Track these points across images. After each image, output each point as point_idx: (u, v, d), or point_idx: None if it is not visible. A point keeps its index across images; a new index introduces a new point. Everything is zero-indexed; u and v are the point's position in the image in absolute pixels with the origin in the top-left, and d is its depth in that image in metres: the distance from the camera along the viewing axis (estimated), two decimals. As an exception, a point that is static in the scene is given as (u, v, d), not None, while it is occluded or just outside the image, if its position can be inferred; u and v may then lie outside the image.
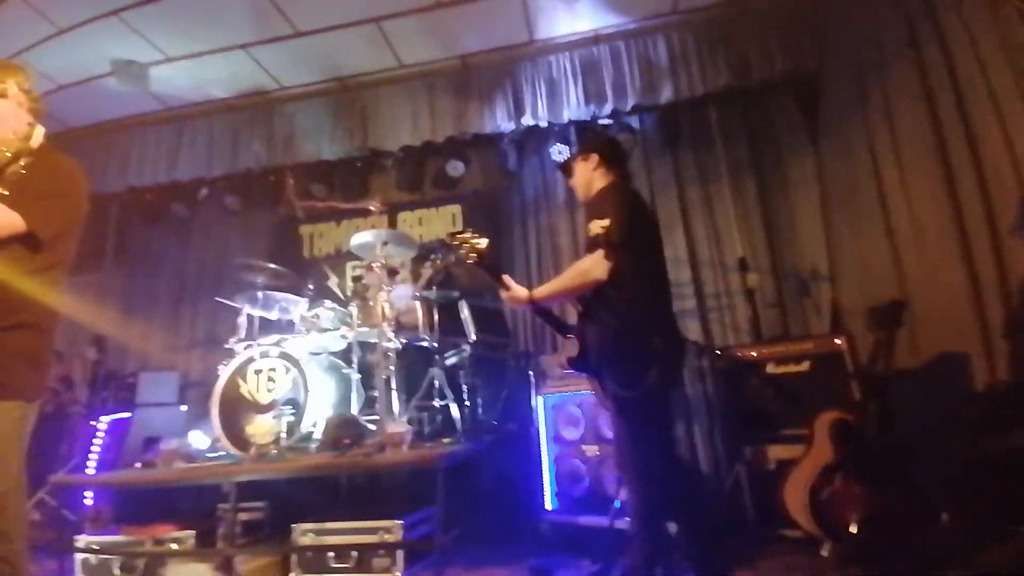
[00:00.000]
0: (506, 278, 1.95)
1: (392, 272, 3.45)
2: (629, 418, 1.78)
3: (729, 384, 2.84)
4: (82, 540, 2.64)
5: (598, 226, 1.77)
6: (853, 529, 2.00)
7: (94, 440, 3.45)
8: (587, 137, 2.29)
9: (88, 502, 3.16)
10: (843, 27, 3.32)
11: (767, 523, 2.44)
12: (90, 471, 3.34)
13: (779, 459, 2.53)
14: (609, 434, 2.65)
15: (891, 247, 2.90)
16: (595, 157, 2.03)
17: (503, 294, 1.93)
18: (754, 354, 2.77)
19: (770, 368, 2.70)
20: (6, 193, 1.42)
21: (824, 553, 2.10)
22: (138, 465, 3.01)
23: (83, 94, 4.15)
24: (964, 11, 2.48)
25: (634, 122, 4.13)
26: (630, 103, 3.84)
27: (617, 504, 2.35)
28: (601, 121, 4.02)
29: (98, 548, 2.60)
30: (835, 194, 3.56)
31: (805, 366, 2.63)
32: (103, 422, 3.42)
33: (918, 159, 2.71)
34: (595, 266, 1.77)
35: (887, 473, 2.05)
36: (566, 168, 2.17)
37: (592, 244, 1.78)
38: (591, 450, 2.67)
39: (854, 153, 3.22)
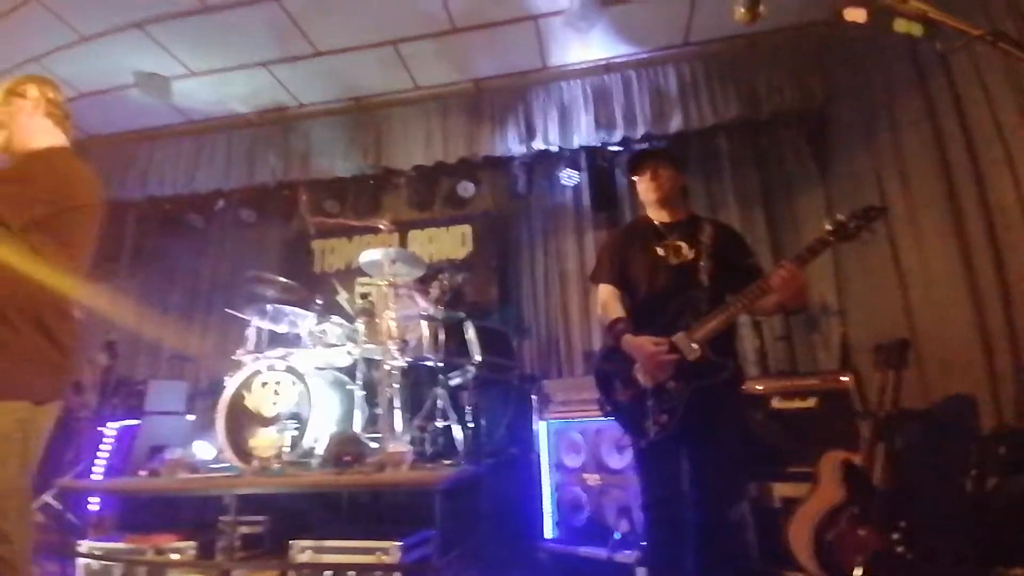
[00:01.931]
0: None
1: (424, 293, 3.45)
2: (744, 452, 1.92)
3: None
4: (85, 545, 2.66)
5: (756, 262, 1.93)
6: (858, 572, 1.98)
7: (101, 446, 3.49)
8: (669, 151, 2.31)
9: (93, 507, 3.18)
10: (850, 63, 3.35)
11: (772, 563, 2.40)
12: (96, 477, 3.37)
13: (785, 497, 2.50)
14: (613, 464, 2.65)
15: (900, 285, 2.90)
16: (684, 179, 2.12)
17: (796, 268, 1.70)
18: (759, 387, 2.76)
19: (775, 403, 2.68)
20: None
21: (827, 596, 2.07)
22: (143, 473, 3.05)
23: (105, 103, 4.26)
24: (972, 48, 2.50)
25: (645, 149, 4.18)
26: (640, 131, 3.89)
27: (617, 536, 2.34)
28: (611, 148, 4.08)
29: (100, 554, 2.62)
30: (844, 228, 3.56)
31: (811, 402, 2.61)
32: (111, 428, 3.46)
33: (926, 198, 2.71)
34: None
35: (892, 515, 2.03)
36: (655, 156, 2.08)
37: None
38: (592, 479, 2.66)
39: (863, 188, 3.23)
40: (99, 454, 3.46)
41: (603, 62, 4.01)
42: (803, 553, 2.13)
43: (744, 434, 1.84)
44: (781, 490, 2.50)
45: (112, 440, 3.46)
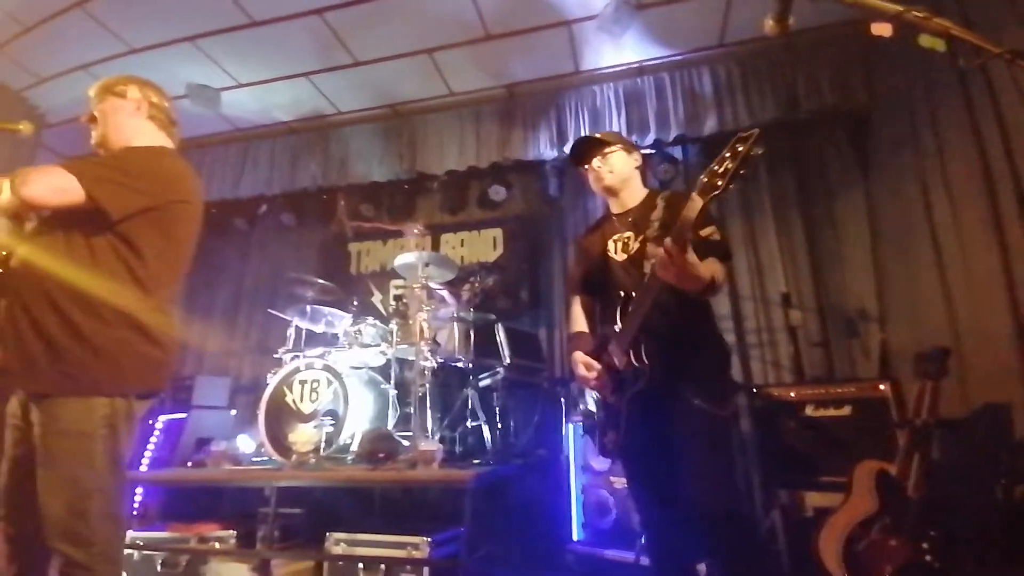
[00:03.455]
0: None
1: (456, 295, 3.51)
2: (723, 441, 1.60)
3: (765, 424, 2.78)
4: (128, 536, 2.73)
5: (718, 233, 1.61)
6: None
7: (150, 438, 3.68)
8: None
9: (137, 499, 3.30)
10: (893, 61, 3.25)
11: (801, 572, 2.37)
12: (143, 468, 3.55)
13: (817, 507, 2.46)
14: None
15: (943, 291, 2.79)
16: (640, 158, 1.87)
17: (686, 260, 1.40)
18: (792, 394, 2.71)
19: (809, 410, 2.63)
20: None
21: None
22: (189, 464, 3.22)
23: None
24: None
25: (677, 152, 4.15)
26: (673, 134, 3.87)
27: (643, 540, 2.34)
28: (644, 151, 4.06)
29: (143, 544, 2.75)
30: (886, 232, 3.45)
31: (847, 410, 2.56)
32: (160, 421, 3.65)
33: (969, 202, 2.61)
34: (723, 275, 1.57)
35: (923, 525, 1.99)
36: (594, 143, 1.85)
37: (716, 249, 1.57)
38: (619, 482, 2.67)
39: (905, 191, 3.12)
40: (147, 446, 3.65)
41: (636, 65, 4.00)
42: (832, 563, 2.09)
43: (714, 432, 1.55)
44: (813, 499, 2.46)
45: (160, 432, 3.65)
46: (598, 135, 1.88)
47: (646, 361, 1.53)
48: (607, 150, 1.82)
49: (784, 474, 2.60)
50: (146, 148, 1.57)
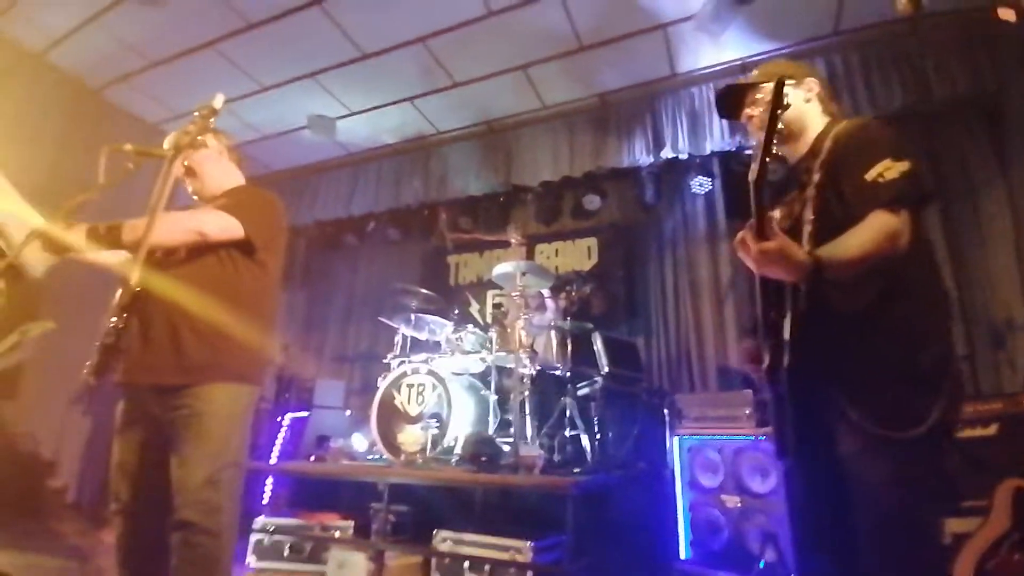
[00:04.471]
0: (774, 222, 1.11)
1: (553, 304, 3.50)
2: (904, 474, 1.11)
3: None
4: (260, 521, 3.02)
5: (896, 169, 1.14)
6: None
7: (278, 434, 4.07)
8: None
9: (267, 489, 3.63)
10: (1021, 51, 2.82)
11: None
12: (272, 460, 3.93)
13: (956, 533, 2.18)
14: (756, 487, 2.47)
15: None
16: (814, 84, 1.40)
17: (762, 246, 1.08)
18: (933, 413, 2.42)
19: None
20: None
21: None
22: (312, 458, 3.52)
23: (283, 143, 4.98)
24: None
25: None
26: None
27: (761, 565, 2.19)
28: (748, 151, 3.86)
29: (274, 529, 3.01)
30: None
31: (993, 429, 2.26)
32: (286, 419, 4.04)
33: None
34: (903, 229, 1.13)
35: None
36: (743, 91, 1.46)
37: (893, 195, 1.14)
38: (731, 500, 2.52)
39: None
40: (276, 441, 4.04)
41: (738, 62, 3.82)
42: (964, 584, 1.87)
43: (889, 459, 1.13)
44: (952, 526, 2.18)
45: (287, 429, 4.03)
46: (744, 79, 1.50)
47: (784, 356, 1.18)
48: (758, 94, 1.41)
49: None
50: (253, 189, 1.83)
